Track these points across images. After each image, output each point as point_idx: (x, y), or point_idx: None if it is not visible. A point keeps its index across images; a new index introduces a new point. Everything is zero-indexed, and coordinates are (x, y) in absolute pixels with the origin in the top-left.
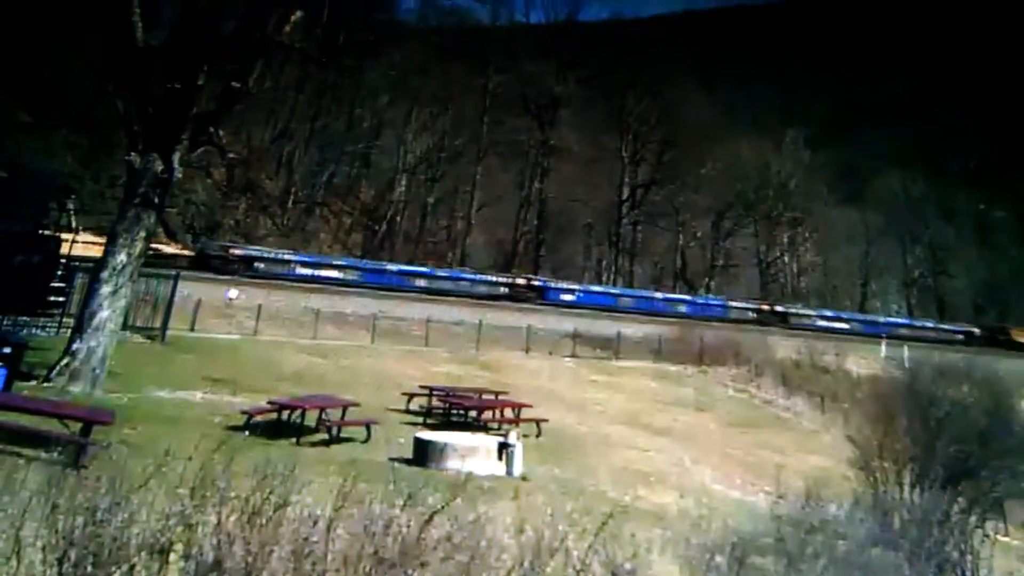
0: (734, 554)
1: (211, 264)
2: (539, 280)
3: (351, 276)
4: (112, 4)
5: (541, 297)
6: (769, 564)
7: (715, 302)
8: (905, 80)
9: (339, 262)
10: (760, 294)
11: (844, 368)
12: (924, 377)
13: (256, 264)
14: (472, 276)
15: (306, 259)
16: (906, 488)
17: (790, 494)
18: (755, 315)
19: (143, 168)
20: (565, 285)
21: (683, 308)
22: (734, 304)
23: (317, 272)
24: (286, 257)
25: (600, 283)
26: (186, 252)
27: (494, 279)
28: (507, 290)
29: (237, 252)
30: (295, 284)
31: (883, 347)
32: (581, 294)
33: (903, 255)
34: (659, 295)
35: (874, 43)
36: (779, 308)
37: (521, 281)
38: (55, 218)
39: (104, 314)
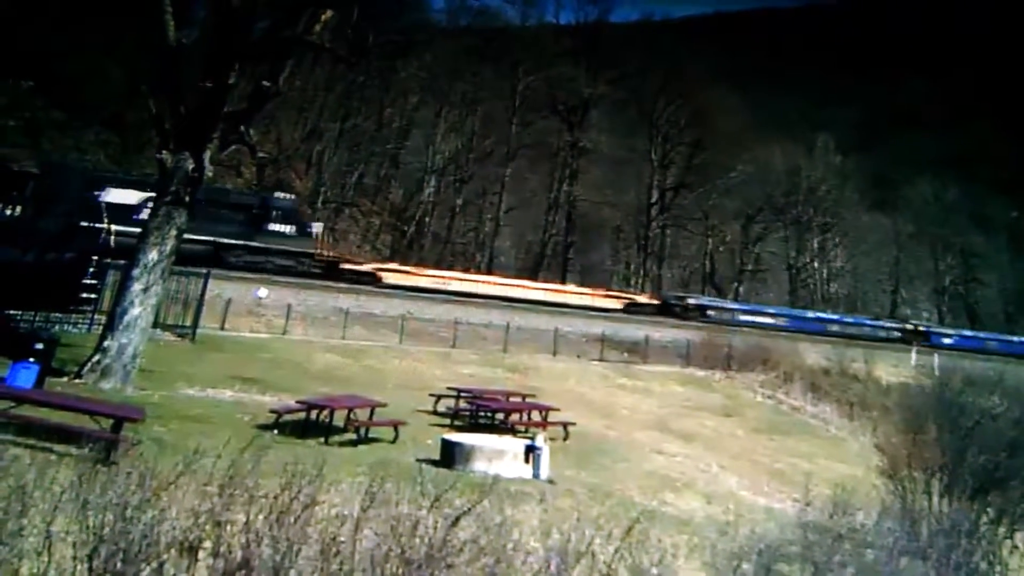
0: (761, 561)
1: (673, 311)
2: (923, 325)
3: (780, 321)
4: (144, 4)
5: (927, 340)
6: (796, 572)
7: None
8: (938, 86)
9: (770, 310)
10: (789, 299)
11: (873, 375)
12: (954, 386)
13: (708, 312)
14: (872, 322)
15: (745, 307)
16: (935, 498)
17: (817, 502)
18: None
19: (174, 166)
20: (943, 330)
21: None
22: None
23: (755, 318)
24: (731, 306)
25: (629, 286)
26: (654, 301)
27: (887, 324)
28: (899, 333)
29: (692, 301)
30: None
31: (913, 355)
32: (957, 338)
33: (934, 262)
34: (1016, 339)
35: (907, 49)
36: None
37: (909, 326)
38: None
39: (135, 311)
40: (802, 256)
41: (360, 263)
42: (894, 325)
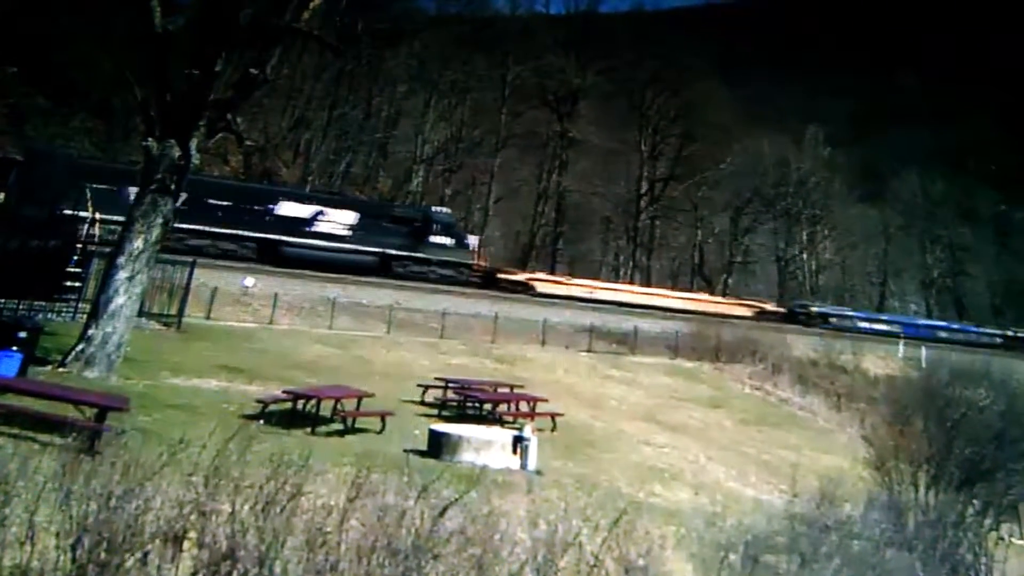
0: (748, 552)
1: (797, 319)
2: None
3: (894, 328)
4: None
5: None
6: (783, 563)
7: None
8: (927, 80)
9: (884, 317)
10: (778, 291)
11: (861, 367)
12: (941, 378)
13: (830, 319)
14: (976, 329)
15: (862, 315)
16: (921, 489)
17: (805, 493)
18: None
19: (160, 154)
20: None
21: None
22: None
23: (872, 325)
24: (850, 314)
25: (618, 278)
26: (780, 309)
27: (990, 331)
28: (1000, 340)
29: (815, 309)
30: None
31: (900, 347)
32: None
33: (922, 255)
34: None
35: (897, 42)
36: None
37: (1010, 333)
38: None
39: (120, 300)
40: (791, 248)
41: (514, 273)
42: (996, 332)
